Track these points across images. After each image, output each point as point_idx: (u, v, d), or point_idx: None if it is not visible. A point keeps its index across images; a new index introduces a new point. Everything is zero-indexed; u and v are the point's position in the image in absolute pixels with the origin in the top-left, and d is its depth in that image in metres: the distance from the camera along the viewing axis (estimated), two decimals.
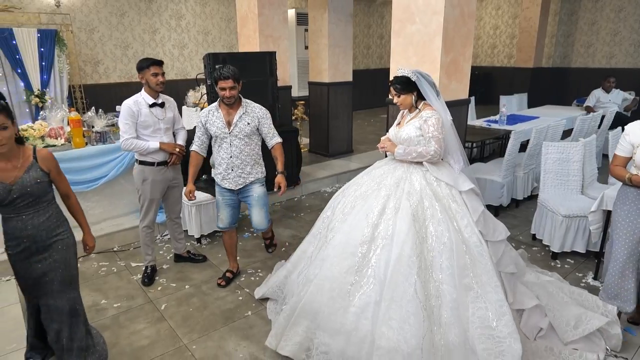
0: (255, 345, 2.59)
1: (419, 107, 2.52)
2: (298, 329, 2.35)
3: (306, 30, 9.06)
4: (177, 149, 3.20)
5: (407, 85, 2.48)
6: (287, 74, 5.59)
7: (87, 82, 7.40)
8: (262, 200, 3.07)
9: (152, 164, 3.17)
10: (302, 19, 9.10)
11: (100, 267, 3.58)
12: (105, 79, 7.73)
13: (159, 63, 3.07)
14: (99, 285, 3.31)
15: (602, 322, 2.39)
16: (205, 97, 4.69)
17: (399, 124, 2.63)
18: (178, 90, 6.18)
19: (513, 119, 5.56)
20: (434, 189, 2.40)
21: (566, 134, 5.19)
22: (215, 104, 2.97)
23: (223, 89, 2.82)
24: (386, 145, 2.60)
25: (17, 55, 6.32)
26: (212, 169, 3.11)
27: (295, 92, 8.56)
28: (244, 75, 4.44)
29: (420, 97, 2.52)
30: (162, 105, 3.16)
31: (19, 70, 6.40)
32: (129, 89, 7.79)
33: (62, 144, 3.75)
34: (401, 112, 2.66)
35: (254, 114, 2.98)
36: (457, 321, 2.13)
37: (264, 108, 3.04)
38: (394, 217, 2.31)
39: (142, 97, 3.11)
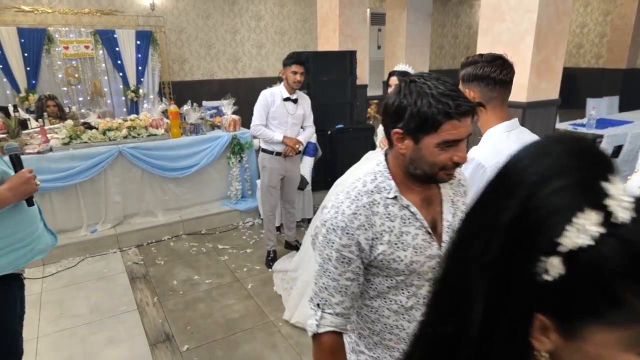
0: None
1: None
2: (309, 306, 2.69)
3: (379, 30, 9.12)
4: (297, 146, 3.40)
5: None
6: (364, 73, 5.71)
7: (174, 79, 8.00)
8: None
9: (271, 152, 3.43)
10: (375, 18, 9.17)
11: (191, 247, 3.92)
12: (189, 77, 8.31)
13: (301, 62, 3.27)
14: (191, 262, 3.64)
15: None
16: None
17: None
18: (254, 88, 6.51)
19: (603, 123, 5.26)
20: None
21: None
22: (384, 180, 1.08)
23: (450, 142, 0.99)
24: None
25: (117, 55, 7.01)
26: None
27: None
28: (325, 73, 4.66)
29: None
30: (295, 101, 3.38)
31: (119, 68, 7.09)
32: (210, 86, 8.37)
33: (162, 134, 4.14)
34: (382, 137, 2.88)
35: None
36: None
37: None
38: None
39: (279, 90, 3.37)
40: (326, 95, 4.62)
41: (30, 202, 1.53)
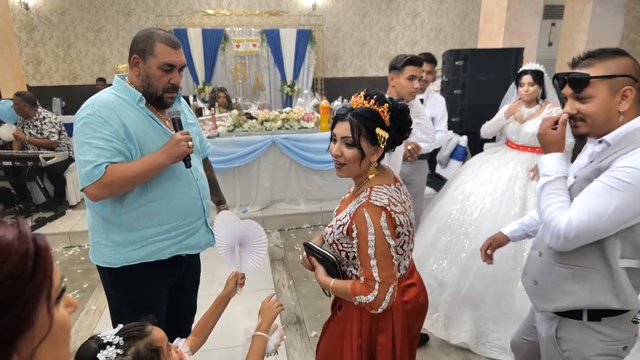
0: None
1: (540, 104, 2.74)
2: (464, 317, 2.50)
3: (553, 24, 8.09)
4: (410, 147, 2.95)
5: (539, 77, 2.67)
6: None
7: (326, 76, 8.34)
8: None
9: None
10: (550, 11, 8.13)
11: None
12: (341, 74, 8.58)
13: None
14: None
15: None
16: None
17: (515, 119, 2.82)
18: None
19: None
20: None
21: None
22: None
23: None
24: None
25: (279, 52, 7.60)
26: None
27: None
28: (484, 72, 4.28)
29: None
30: (420, 101, 3.04)
31: (279, 65, 7.69)
32: (360, 83, 8.49)
33: (312, 127, 4.32)
34: (507, 107, 2.86)
35: None
36: None
37: None
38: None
39: None
40: (483, 96, 4.24)
41: (187, 164, 1.55)
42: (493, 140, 3.28)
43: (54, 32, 7.62)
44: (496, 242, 1.77)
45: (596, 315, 1.27)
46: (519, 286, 2.35)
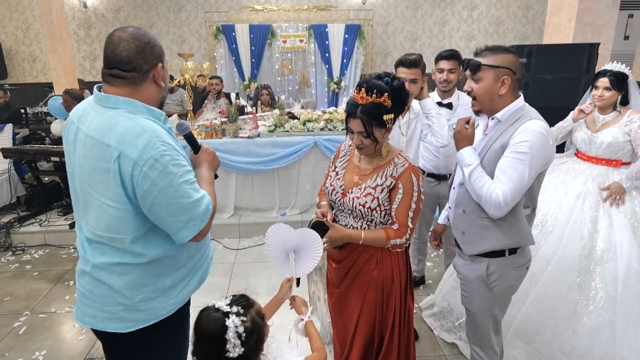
0: None
1: (618, 110, 2.36)
2: (514, 351, 2.25)
3: (630, 16, 7.29)
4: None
5: (620, 82, 2.30)
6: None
7: (374, 72, 8.02)
8: None
9: (422, 171, 2.41)
10: (627, 2, 7.34)
11: None
12: (390, 70, 8.18)
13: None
14: None
15: None
16: None
17: (587, 127, 2.49)
18: (458, 84, 5.96)
19: None
20: None
21: None
22: None
23: None
24: (615, 193, 2.27)
25: (326, 48, 7.38)
26: None
27: None
28: (551, 71, 3.84)
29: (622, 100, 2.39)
30: (449, 106, 2.72)
31: (326, 61, 7.47)
32: None
33: None
34: (576, 110, 2.52)
35: None
36: None
37: None
38: (609, 228, 2.23)
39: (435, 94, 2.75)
40: (549, 97, 3.80)
41: (216, 175, 1.51)
42: (562, 149, 2.86)
43: (109, 29, 7.83)
44: (437, 233, 2.12)
45: (514, 250, 1.66)
46: (585, 322, 2.11)
